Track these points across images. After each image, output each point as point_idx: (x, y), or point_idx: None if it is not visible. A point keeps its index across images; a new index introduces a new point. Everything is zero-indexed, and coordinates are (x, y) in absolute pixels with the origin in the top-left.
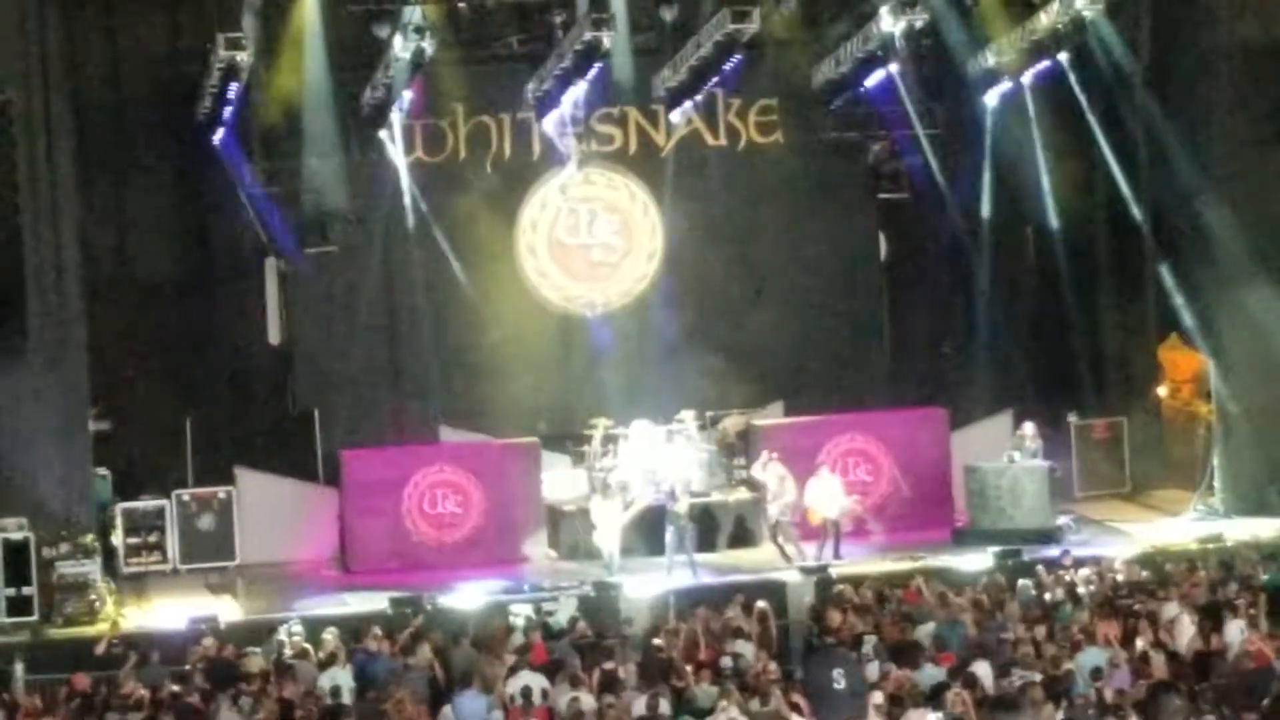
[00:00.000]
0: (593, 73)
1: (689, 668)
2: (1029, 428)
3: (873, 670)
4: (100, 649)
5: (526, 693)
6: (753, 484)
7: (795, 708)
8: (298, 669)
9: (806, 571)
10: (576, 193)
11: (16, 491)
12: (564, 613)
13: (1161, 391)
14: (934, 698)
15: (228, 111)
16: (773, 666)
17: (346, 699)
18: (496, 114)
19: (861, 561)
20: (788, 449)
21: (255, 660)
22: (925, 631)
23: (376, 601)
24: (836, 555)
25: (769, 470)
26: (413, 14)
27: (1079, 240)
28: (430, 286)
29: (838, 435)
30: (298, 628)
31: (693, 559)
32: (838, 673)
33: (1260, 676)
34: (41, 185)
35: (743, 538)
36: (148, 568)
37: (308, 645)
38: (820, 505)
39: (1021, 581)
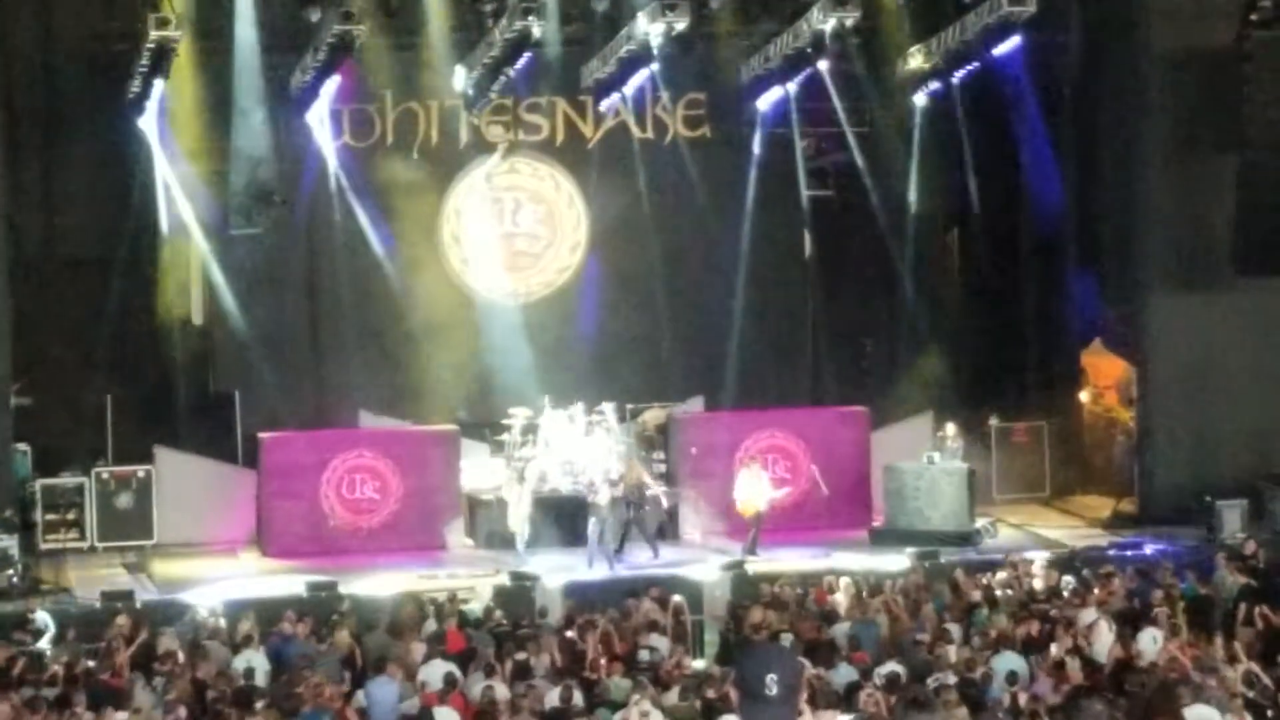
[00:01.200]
0: (522, 62)
1: (603, 660)
2: (951, 428)
3: None
4: (16, 624)
5: (450, 679)
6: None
7: (722, 700)
8: (210, 650)
9: (724, 567)
10: (502, 181)
11: None
12: (479, 602)
13: (1084, 396)
14: (847, 697)
15: (157, 91)
16: (687, 661)
17: (261, 681)
18: (425, 100)
19: (777, 559)
20: (707, 443)
21: (168, 639)
22: (840, 631)
23: (292, 585)
24: (753, 551)
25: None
26: None
27: (1004, 243)
28: (354, 271)
29: (757, 431)
30: (218, 608)
31: (610, 552)
32: (771, 678)
33: (1177, 686)
34: None
35: (660, 531)
36: (65, 544)
37: (223, 624)
38: (750, 499)
39: (938, 584)
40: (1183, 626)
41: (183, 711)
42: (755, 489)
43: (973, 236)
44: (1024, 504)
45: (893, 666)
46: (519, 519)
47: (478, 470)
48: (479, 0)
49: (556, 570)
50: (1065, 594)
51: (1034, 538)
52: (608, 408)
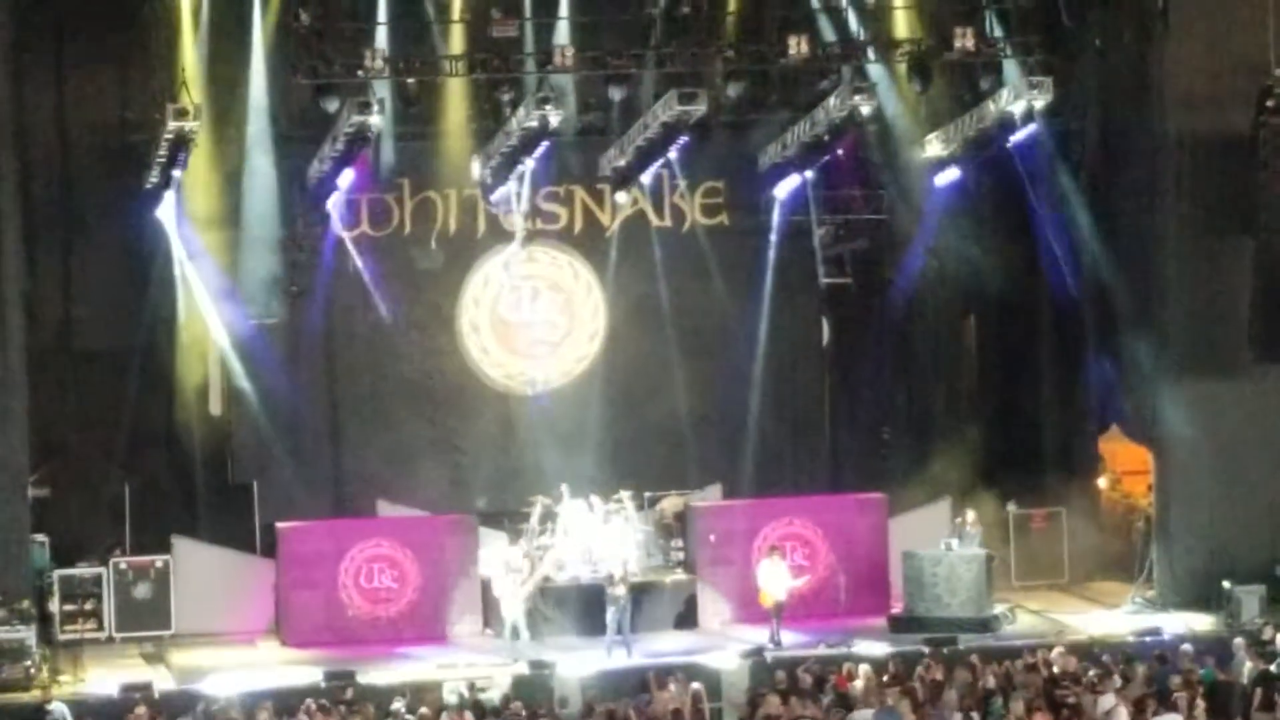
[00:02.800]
0: (540, 151)
1: None
2: (971, 515)
3: None
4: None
5: None
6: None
7: None
8: None
9: (743, 655)
10: (520, 270)
11: None
12: (497, 690)
13: (1102, 483)
14: None
15: (174, 181)
16: None
17: None
18: (442, 189)
19: (797, 647)
20: (726, 531)
21: None
22: (860, 718)
23: (310, 674)
24: (774, 640)
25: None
26: (361, 88)
27: (1021, 328)
28: (371, 361)
29: (776, 519)
30: (235, 698)
31: (628, 640)
32: None
33: None
34: None
35: (679, 619)
36: (83, 635)
37: (239, 716)
38: (769, 589)
39: (958, 671)
40: (1203, 714)
41: None
42: (774, 578)
43: (990, 323)
44: (1042, 590)
45: None
46: (516, 610)
47: (496, 559)
48: (496, 90)
49: (575, 659)
50: (1084, 680)
51: (1052, 624)
52: (626, 496)
